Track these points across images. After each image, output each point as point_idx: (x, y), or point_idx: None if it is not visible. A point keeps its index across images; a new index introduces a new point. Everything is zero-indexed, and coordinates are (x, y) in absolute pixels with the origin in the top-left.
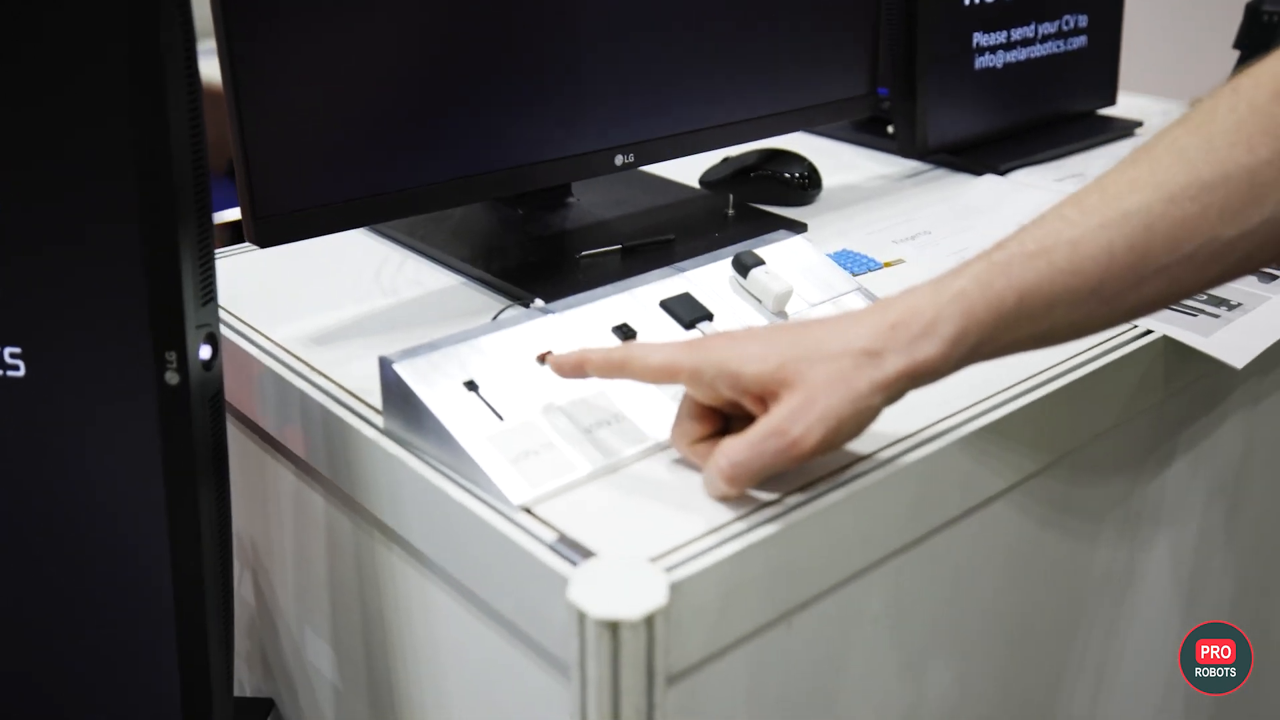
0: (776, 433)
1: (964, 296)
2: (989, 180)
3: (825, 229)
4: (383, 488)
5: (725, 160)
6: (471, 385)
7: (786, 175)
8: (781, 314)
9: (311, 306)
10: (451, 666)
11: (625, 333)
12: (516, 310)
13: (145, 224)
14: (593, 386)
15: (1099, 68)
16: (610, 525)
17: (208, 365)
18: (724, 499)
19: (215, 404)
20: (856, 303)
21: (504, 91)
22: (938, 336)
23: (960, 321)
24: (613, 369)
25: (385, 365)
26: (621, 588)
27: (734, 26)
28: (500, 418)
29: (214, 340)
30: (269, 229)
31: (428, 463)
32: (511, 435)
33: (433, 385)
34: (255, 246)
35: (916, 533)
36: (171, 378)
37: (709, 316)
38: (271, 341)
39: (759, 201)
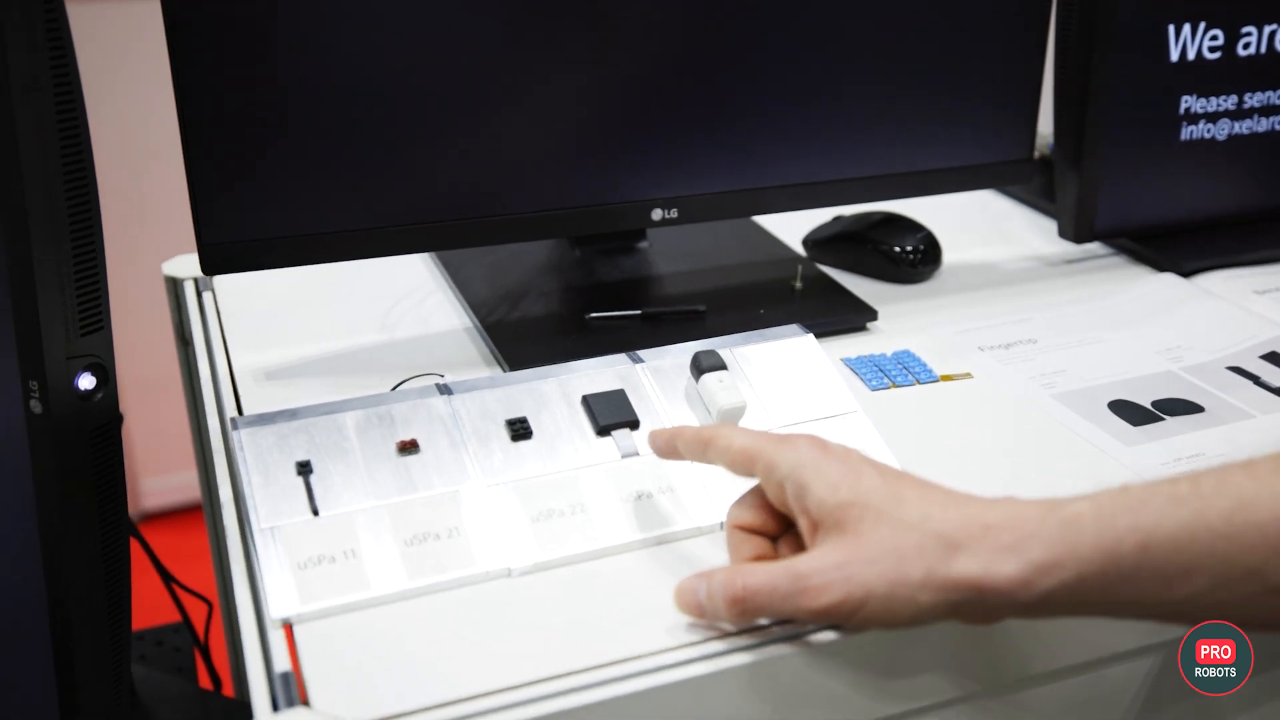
0: (796, 574)
1: (1075, 523)
2: (1164, 281)
3: (908, 319)
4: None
5: (836, 219)
6: (305, 468)
7: (896, 249)
8: None
9: (302, 334)
10: None
11: (516, 430)
12: (420, 383)
13: (8, 247)
14: (435, 489)
15: None
16: (361, 668)
17: (87, 397)
18: (712, 618)
19: (103, 435)
20: (856, 427)
21: (507, 124)
22: (1023, 557)
23: (1056, 549)
24: (700, 447)
25: (233, 428)
26: None
27: (838, 67)
28: (315, 511)
29: (103, 371)
30: (216, 257)
31: (245, 543)
32: (313, 534)
33: (261, 460)
34: None
35: None
36: (35, 406)
37: (632, 424)
38: (228, 371)
39: (861, 272)
